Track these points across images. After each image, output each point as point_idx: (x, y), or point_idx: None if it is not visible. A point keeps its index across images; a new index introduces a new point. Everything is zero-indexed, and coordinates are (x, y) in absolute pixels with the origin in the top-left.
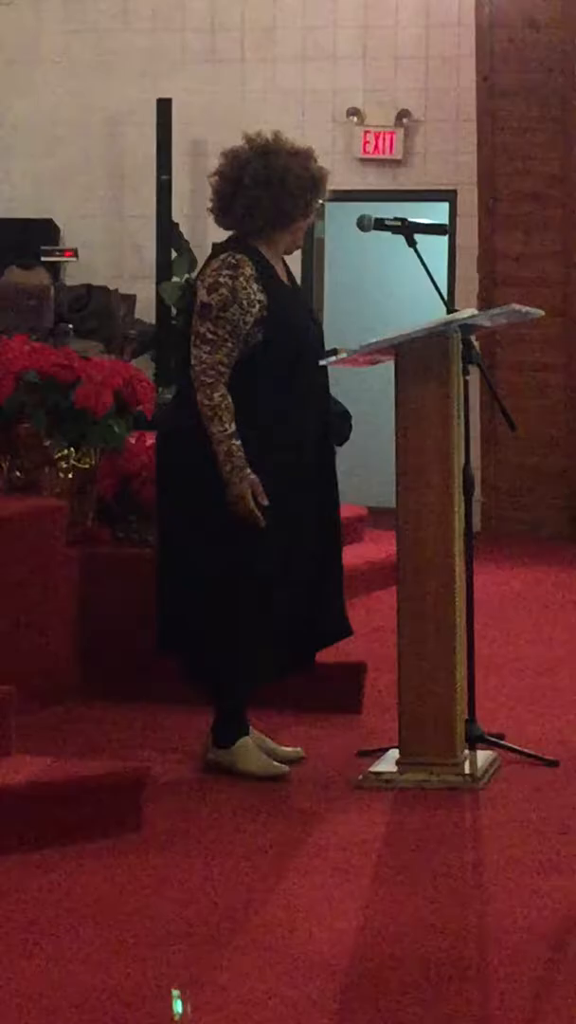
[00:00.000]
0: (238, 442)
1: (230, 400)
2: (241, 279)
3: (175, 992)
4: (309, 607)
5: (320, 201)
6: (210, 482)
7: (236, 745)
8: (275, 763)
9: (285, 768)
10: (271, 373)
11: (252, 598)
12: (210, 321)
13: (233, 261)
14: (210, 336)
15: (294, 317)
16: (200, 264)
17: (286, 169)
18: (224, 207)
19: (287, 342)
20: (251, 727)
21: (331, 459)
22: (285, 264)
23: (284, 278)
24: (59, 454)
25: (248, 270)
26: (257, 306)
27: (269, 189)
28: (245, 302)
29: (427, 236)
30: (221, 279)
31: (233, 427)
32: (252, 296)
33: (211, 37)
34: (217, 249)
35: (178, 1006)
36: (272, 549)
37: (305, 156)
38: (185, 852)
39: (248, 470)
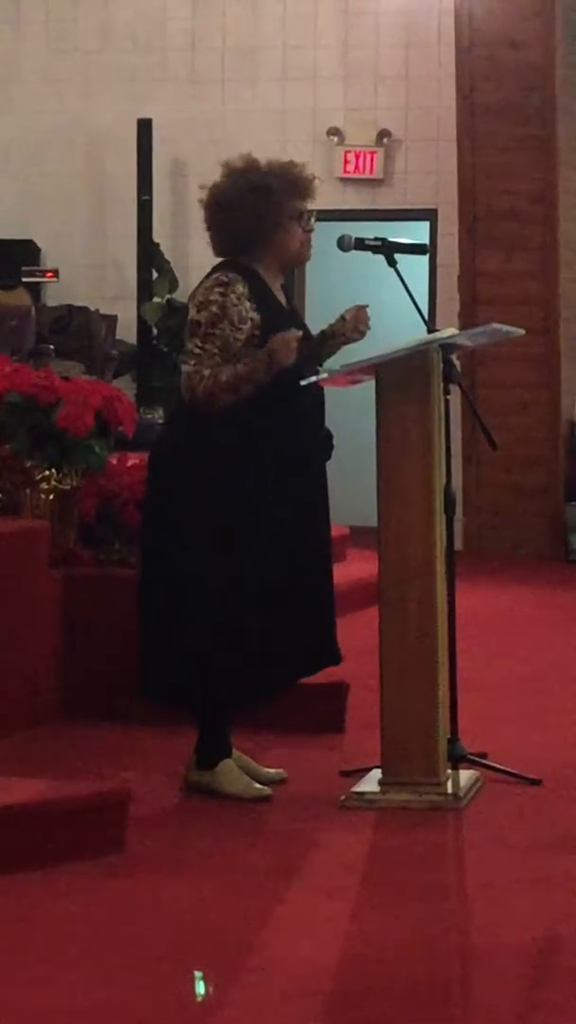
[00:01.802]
0: (239, 365)
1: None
2: (232, 296)
3: (197, 974)
4: (299, 628)
5: (300, 206)
6: (201, 500)
7: (219, 767)
8: (258, 785)
9: (268, 790)
10: (265, 393)
11: (245, 615)
12: (198, 337)
13: (225, 279)
14: (197, 351)
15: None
16: (182, 285)
17: (247, 182)
18: (210, 234)
19: None
20: (233, 748)
21: (324, 479)
22: (284, 286)
23: (281, 299)
24: (40, 475)
25: (240, 288)
26: (248, 323)
27: (236, 205)
28: (236, 319)
29: (408, 256)
30: (212, 296)
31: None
32: (244, 313)
33: (191, 57)
34: (211, 270)
35: (200, 987)
36: (266, 567)
37: (270, 168)
38: (168, 873)
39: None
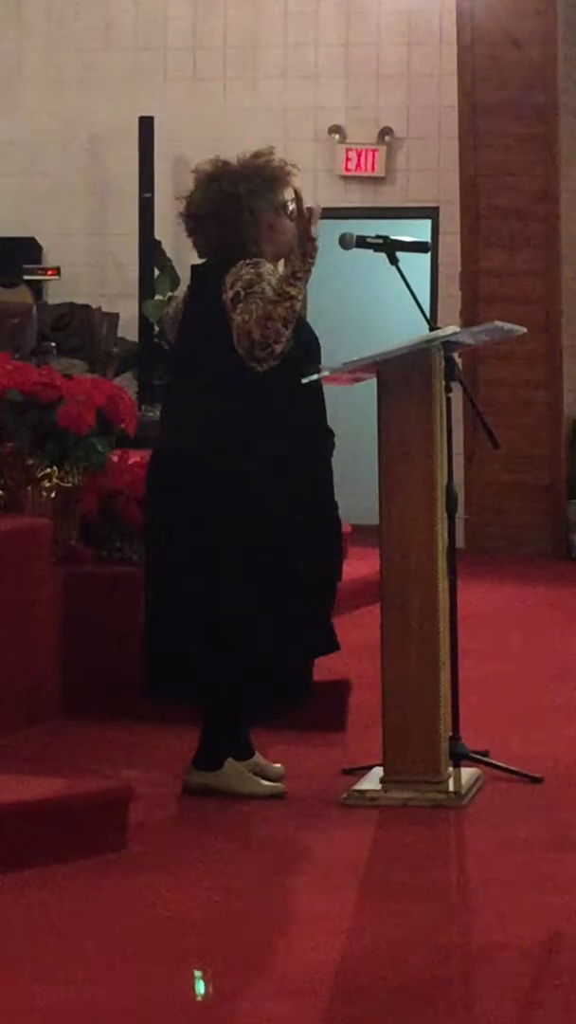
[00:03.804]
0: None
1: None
2: (264, 268)
3: (197, 973)
4: (309, 620)
5: (280, 198)
6: (206, 500)
7: (226, 767)
8: (269, 783)
9: (281, 787)
10: (286, 384)
11: (273, 620)
12: (241, 303)
13: (250, 261)
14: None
15: (304, 327)
16: (183, 283)
17: (222, 191)
18: (196, 240)
19: (300, 348)
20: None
21: (330, 469)
22: None
23: None
24: (42, 473)
25: (269, 266)
26: None
27: (218, 215)
28: (272, 281)
29: (409, 254)
30: (243, 272)
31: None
32: (275, 281)
33: (193, 55)
34: (207, 265)
35: (200, 987)
36: (274, 561)
37: (242, 168)
38: (170, 871)
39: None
